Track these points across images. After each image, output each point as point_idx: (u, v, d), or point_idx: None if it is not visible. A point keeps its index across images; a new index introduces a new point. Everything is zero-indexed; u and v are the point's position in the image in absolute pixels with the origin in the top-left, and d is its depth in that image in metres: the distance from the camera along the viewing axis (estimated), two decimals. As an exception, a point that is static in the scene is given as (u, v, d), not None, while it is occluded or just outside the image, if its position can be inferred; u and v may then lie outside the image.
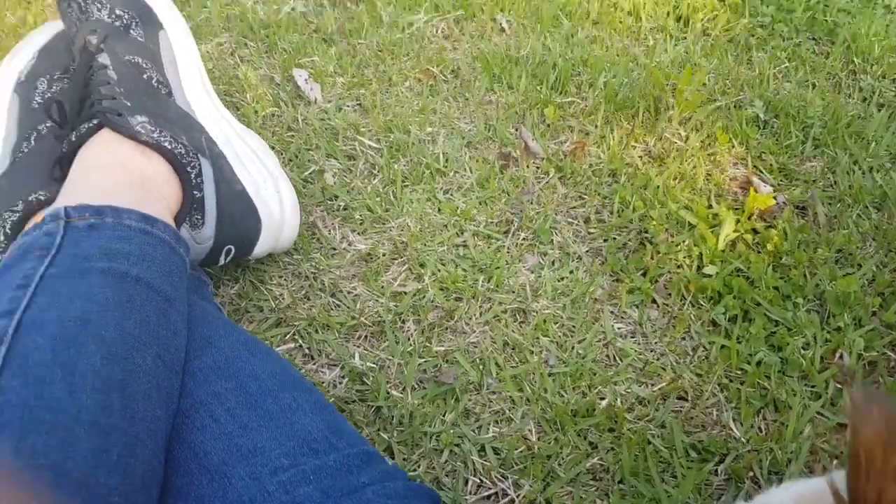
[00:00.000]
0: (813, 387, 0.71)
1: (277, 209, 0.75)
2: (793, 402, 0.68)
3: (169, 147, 0.67)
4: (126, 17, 0.74)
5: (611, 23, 1.34)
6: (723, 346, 0.74)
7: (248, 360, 0.56)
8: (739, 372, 0.72)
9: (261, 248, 0.75)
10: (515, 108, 1.08)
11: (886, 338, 0.74)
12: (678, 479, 0.62)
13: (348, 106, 1.08)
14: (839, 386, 0.70)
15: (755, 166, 0.99)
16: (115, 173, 0.64)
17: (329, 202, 0.91)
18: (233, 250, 0.73)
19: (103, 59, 0.69)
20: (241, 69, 1.13)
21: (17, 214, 0.67)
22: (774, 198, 0.88)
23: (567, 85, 1.13)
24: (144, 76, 0.72)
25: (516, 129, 1.04)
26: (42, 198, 0.67)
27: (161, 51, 0.75)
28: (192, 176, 0.68)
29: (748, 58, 1.24)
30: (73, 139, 0.65)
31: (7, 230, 0.67)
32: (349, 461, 0.49)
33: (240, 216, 0.72)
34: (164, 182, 0.66)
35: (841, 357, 0.72)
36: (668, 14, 1.38)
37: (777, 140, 1.03)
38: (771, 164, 0.99)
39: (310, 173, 0.95)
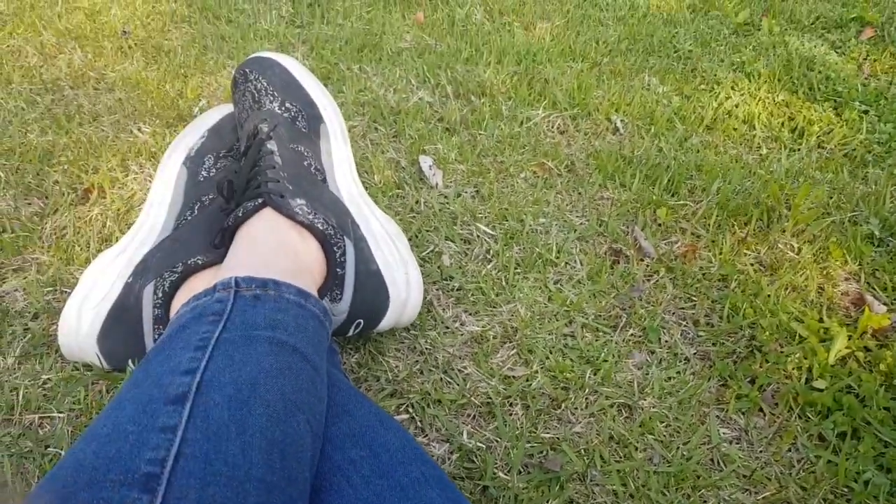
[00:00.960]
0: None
1: (404, 289, 0.81)
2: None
3: (321, 228, 0.74)
4: (294, 110, 0.83)
5: (724, 130, 1.37)
6: (829, 462, 0.74)
7: (380, 431, 0.60)
8: (846, 489, 0.71)
9: (385, 323, 0.81)
10: (628, 207, 1.12)
11: None
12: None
13: (467, 192, 1.14)
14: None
15: (868, 283, 0.99)
16: (274, 248, 0.71)
17: (444, 282, 0.96)
18: (362, 323, 0.78)
19: (271, 145, 0.77)
20: (370, 151, 1.21)
21: (176, 275, 0.75)
22: (890, 319, 0.88)
23: (680, 188, 1.17)
24: (305, 163, 0.80)
25: (628, 227, 1.08)
26: (200, 262, 0.75)
27: (320, 142, 0.84)
28: (338, 255, 0.75)
29: (864, 174, 1.25)
30: (241, 214, 0.73)
31: (165, 288, 0.74)
32: None
33: (372, 294, 0.78)
34: (313, 259, 0.73)
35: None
36: (782, 125, 1.40)
37: (892, 259, 1.03)
38: (885, 283, 0.98)
39: (428, 253, 1.01)
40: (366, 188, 1.12)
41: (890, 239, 1.07)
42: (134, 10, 1.66)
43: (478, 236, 1.05)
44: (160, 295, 0.75)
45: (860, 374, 0.82)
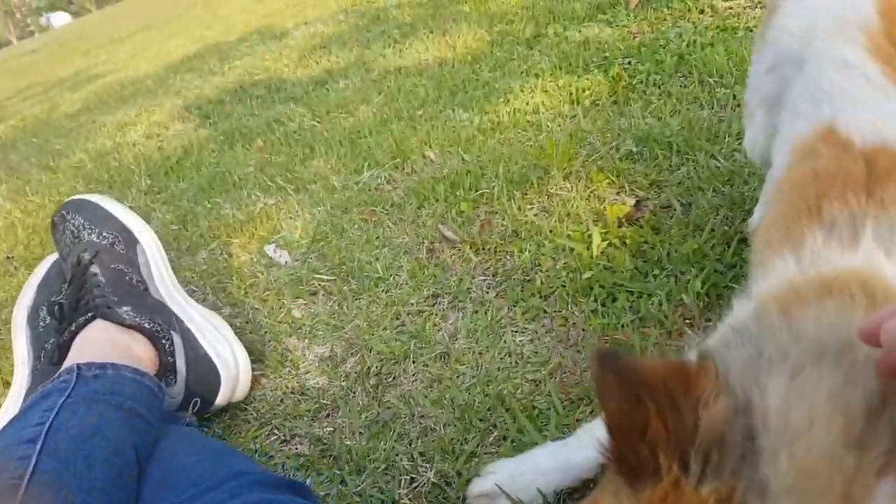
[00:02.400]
0: (668, 329, 0.85)
1: (234, 367, 0.96)
2: (648, 345, 0.83)
3: (148, 327, 0.89)
4: (111, 237, 0.99)
5: (516, 125, 1.58)
6: (597, 325, 0.90)
7: (179, 447, 0.76)
8: (607, 337, 0.87)
9: (221, 399, 0.95)
10: (440, 213, 1.30)
11: (728, 275, 0.89)
12: (552, 423, 0.77)
13: (311, 258, 1.32)
14: (687, 321, 0.84)
15: (631, 188, 1.17)
16: (108, 347, 0.86)
17: (298, 330, 1.12)
18: (199, 402, 0.93)
19: (94, 269, 0.94)
20: (226, 262, 1.39)
21: None
22: (633, 205, 1.05)
23: (480, 184, 1.35)
24: (126, 278, 0.96)
25: (438, 229, 1.26)
26: None
27: (138, 258, 1.00)
28: (167, 346, 0.90)
29: (628, 110, 1.45)
30: (73, 328, 0.88)
31: None
32: (216, 484, 0.67)
33: (204, 374, 0.93)
34: (144, 352, 0.88)
35: (682, 301, 0.87)
36: (562, 102, 1.62)
37: (646, 163, 1.21)
38: (642, 183, 1.16)
39: (282, 316, 1.17)
40: (226, 290, 1.30)
41: (643, 149, 1.26)
42: (16, 238, 1.86)
43: (321, 285, 1.22)
44: None
45: (613, 253, 0.99)
